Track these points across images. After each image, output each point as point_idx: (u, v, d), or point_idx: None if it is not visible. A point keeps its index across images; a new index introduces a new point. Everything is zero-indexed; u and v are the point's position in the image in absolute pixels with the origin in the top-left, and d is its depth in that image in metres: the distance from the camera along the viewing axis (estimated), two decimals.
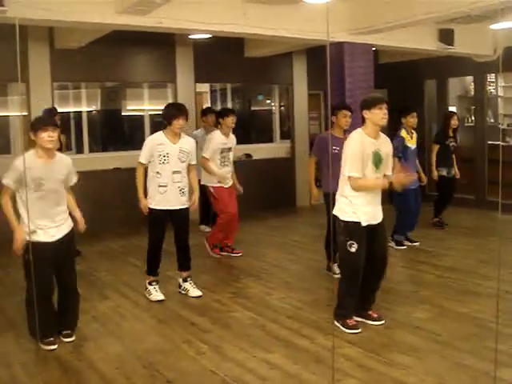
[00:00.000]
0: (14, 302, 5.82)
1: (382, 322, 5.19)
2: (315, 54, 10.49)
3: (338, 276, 5.78)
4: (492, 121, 12.37)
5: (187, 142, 6.07)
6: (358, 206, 4.96)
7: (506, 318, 5.08)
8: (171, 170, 5.90)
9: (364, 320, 5.19)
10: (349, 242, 4.95)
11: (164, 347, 4.81)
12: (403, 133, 7.89)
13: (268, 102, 13.50)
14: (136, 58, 10.31)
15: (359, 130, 5.06)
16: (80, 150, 10.14)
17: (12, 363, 4.52)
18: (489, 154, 11.30)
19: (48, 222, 4.72)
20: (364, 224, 4.96)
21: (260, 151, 11.74)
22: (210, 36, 8.99)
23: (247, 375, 4.21)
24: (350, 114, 6.66)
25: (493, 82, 12.69)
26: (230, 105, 12.49)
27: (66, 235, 4.85)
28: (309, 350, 4.66)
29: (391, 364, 4.33)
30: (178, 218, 6.03)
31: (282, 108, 13.07)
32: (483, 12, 8.17)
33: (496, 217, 9.91)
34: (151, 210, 5.98)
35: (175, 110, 5.98)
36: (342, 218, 5.04)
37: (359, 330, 4.99)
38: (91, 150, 10.20)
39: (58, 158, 4.81)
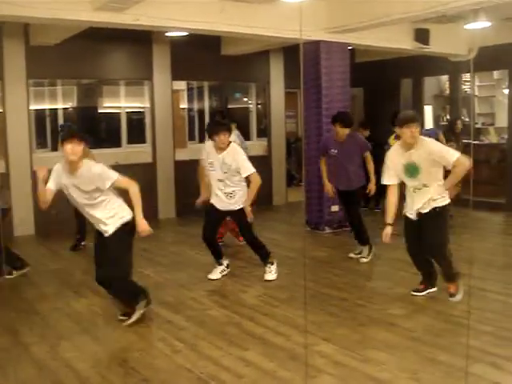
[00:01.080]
0: None
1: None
2: (292, 52, 10.54)
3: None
4: (467, 120, 12.51)
5: (228, 155, 6.31)
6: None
7: (479, 314, 5.16)
8: (216, 178, 6.39)
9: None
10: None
11: (139, 345, 4.80)
12: (392, 141, 7.97)
13: (245, 99, 13.51)
14: (113, 55, 10.26)
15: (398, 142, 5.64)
16: (55, 148, 10.06)
17: None
18: (463, 153, 11.38)
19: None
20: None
21: None
22: (187, 34, 8.97)
23: (223, 373, 4.22)
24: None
25: (468, 81, 12.84)
26: (206, 102, 12.47)
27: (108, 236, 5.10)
28: (284, 347, 4.68)
29: (365, 360, 4.37)
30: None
31: (259, 106, 13.09)
32: (458, 12, 8.27)
33: (469, 214, 10.05)
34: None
35: (214, 126, 6.39)
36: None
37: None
38: None
39: (83, 170, 4.92)
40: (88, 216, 5.15)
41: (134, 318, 5.15)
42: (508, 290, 6.09)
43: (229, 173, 6.29)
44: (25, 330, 5.15)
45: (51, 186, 4.97)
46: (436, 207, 5.48)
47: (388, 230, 5.52)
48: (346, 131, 7.19)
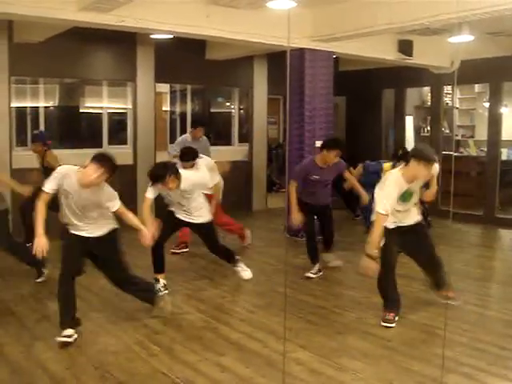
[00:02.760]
0: None
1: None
2: (276, 58, 10.55)
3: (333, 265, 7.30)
4: (447, 131, 12.63)
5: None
6: None
7: (454, 325, 5.21)
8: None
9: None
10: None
11: (115, 348, 4.78)
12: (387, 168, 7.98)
13: (227, 104, 13.51)
14: (96, 55, 10.21)
15: (397, 170, 5.35)
16: None
17: None
18: (443, 164, 11.49)
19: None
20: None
21: (218, 154, 11.76)
22: (172, 36, 8.96)
23: (199, 378, 4.22)
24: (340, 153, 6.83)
25: (449, 93, 12.98)
26: (189, 106, 12.45)
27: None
28: (260, 353, 4.68)
29: (341, 369, 4.38)
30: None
31: (242, 111, 13.09)
32: (442, 25, 8.34)
33: (446, 225, 10.13)
34: None
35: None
36: None
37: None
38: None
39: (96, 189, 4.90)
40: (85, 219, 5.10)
41: (169, 307, 5.53)
42: (484, 302, 6.17)
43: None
44: None
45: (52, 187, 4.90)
46: (418, 221, 5.61)
47: (374, 264, 5.13)
48: (337, 159, 6.83)
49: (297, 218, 6.76)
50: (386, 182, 5.27)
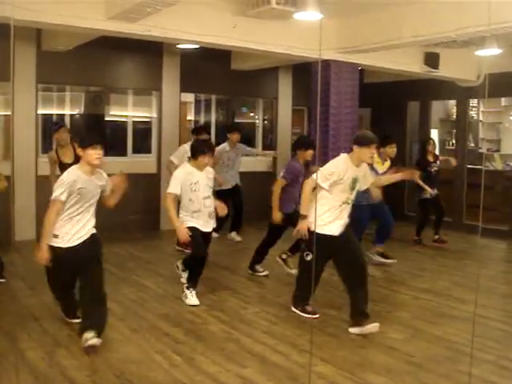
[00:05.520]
0: None
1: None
2: (301, 70, 10.56)
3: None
4: (472, 145, 12.51)
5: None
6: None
7: (480, 341, 5.11)
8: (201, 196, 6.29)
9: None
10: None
11: (137, 357, 4.76)
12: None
13: (252, 114, 13.51)
14: (122, 64, 10.30)
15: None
16: None
17: None
18: (468, 178, 11.41)
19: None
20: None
21: (242, 164, 11.76)
22: (198, 47, 8.99)
23: None
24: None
25: (475, 106, 12.86)
26: (213, 116, 12.47)
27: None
28: (283, 366, 4.64)
29: None
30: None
31: (266, 122, 13.08)
32: (469, 38, 8.28)
33: (471, 240, 10.04)
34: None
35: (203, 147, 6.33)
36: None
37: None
38: None
39: (98, 174, 5.01)
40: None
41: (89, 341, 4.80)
42: (510, 319, 6.06)
43: None
44: (22, 336, 5.11)
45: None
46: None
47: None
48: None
49: (278, 217, 7.18)
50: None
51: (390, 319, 5.93)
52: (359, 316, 5.44)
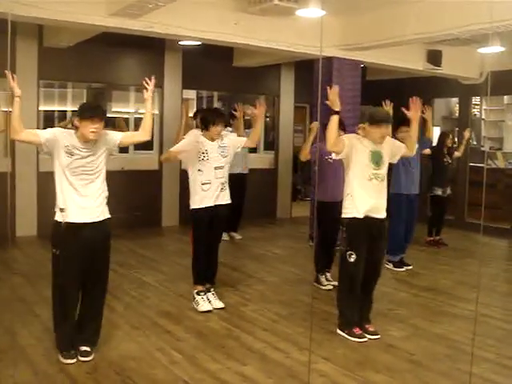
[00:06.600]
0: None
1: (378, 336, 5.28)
2: (303, 67, 10.54)
3: (326, 287, 6.70)
4: (475, 143, 12.48)
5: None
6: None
7: (480, 340, 5.10)
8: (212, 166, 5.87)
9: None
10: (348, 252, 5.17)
11: (137, 354, 4.76)
12: None
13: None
14: (124, 60, 10.30)
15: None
16: None
17: None
18: (470, 176, 11.39)
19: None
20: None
21: None
22: (200, 43, 8.98)
23: None
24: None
25: (477, 104, 12.83)
26: None
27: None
28: (283, 364, 4.63)
29: (365, 382, 4.32)
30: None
31: (268, 119, 13.07)
32: (472, 36, 8.26)
33: (473, 238, 10.02)
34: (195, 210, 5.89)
35: (213, 116, 5.93)
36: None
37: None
38: None
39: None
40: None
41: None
42: (511, 318, 6.05)
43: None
44: (23, 332, 5.11)
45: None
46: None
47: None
48: None
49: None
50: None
51: (390, 317, 5.93)
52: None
